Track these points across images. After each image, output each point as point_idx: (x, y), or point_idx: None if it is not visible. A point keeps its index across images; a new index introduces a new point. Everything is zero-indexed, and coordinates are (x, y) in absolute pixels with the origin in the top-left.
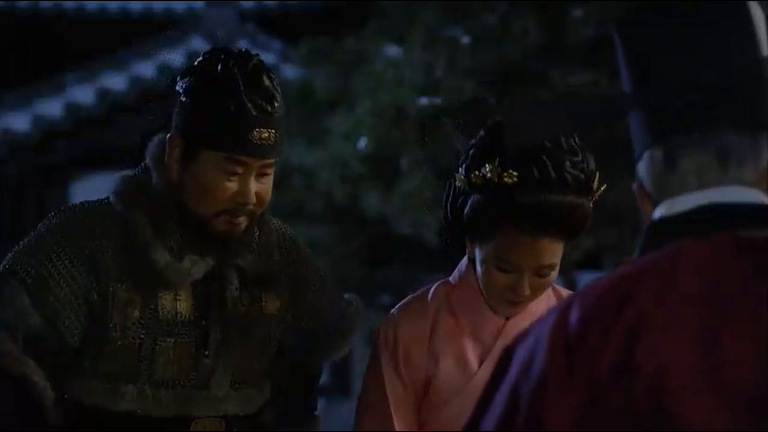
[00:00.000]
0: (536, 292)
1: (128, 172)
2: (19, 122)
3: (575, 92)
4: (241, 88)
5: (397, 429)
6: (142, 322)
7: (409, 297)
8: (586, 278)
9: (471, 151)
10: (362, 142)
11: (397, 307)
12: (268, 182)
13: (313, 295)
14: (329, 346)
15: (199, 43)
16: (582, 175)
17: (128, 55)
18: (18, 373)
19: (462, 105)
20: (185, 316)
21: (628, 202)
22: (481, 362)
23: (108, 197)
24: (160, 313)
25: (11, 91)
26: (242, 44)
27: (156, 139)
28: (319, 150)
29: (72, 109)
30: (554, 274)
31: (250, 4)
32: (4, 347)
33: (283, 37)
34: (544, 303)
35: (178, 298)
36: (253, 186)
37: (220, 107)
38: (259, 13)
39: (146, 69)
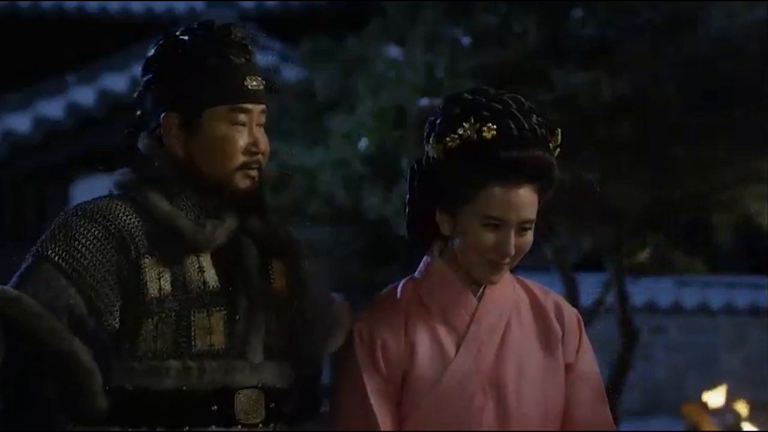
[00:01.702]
0: (518, 253)
1: (125, 168)
2: (20, 123)
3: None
4: (220, 45)
5: (379, 421)
6: (175, 294)
7: (378, 295)
8: (586, 279)
9: (437, 121)
10: (363, 143)
11: (369, 305)
12: (263, 132)
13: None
14: (315, 339)
15: None
16: (546, 131)
17: (129, 56)
18: (66, 350)
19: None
20: (212, 286)
21: (627, 202)
22: (457, 347)
23: (113, 192)
24: (189, 285)
25: (12, 91)
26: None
27: (143, 134)
28: (320, 150)
29: (73, 109)
30: (531, 235)
31: (251, 4)
32: (51, 324)
33: (284, 38)
34: (509, 289)
35: (202, 269)
36: (258, 134)
37: (208, 66)
38: (259, 13)
39: None
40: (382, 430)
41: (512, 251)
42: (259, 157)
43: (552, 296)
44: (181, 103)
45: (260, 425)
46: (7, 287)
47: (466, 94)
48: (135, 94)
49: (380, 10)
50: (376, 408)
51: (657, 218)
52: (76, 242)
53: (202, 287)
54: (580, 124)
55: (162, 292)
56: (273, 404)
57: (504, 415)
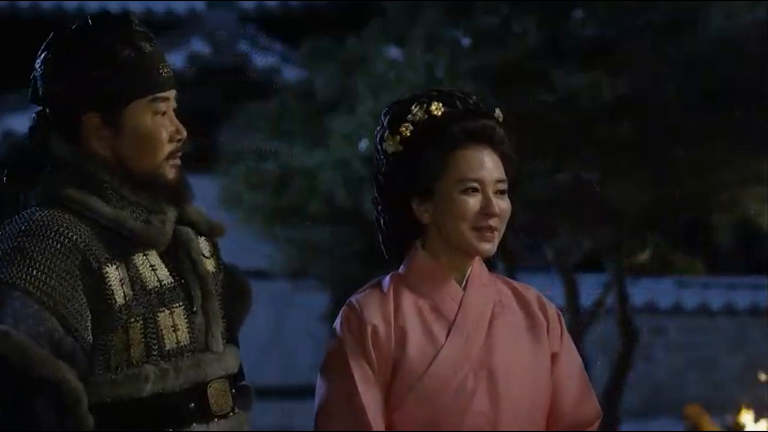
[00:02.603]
0: (501, 217)
1: (46, 178)
2: (20, 123)
3: (575, 93)
4: (127, 36)
5: (367, 409)
6: (137, 298)
7: (365, 287)
8: (586, 279)
9: (384, 121)
10: (363, 144)
11: (354, 295)
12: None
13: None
14: (236, 313)
15: (200, 45)
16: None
17: None
18: (54, 378)
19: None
20: (167, 283)
21: (627, 203)
22: (447, 334)
23: (40, 204)
24: (147, 286)
25: (12, 92)
26: (243, 45)
27: (57, 139)
28: (320, 151)
29: None
30: (508, 200)
31: (251, 5)
32: (39, 353)
33: (284, 39)
34: (490, 280)
35: (154, 267)
36: (177, 120)
37: (123, 59)
38: (259, 14)
39: None
40: (368, 417)
41: (496, 210)
42: (181, 143)
43: (532, 290)
44: (101, 101)
45: (230, 413)
46: None
47: (402, 98)
48: (30, 97)
49: (380, 11)
50: (364, 396)
51: (657, 219)
52: (37, 263)
53: (159, 286)
54: (580, 124)
55: (127, 299)
56: (233, 390)
57: (496, 397)
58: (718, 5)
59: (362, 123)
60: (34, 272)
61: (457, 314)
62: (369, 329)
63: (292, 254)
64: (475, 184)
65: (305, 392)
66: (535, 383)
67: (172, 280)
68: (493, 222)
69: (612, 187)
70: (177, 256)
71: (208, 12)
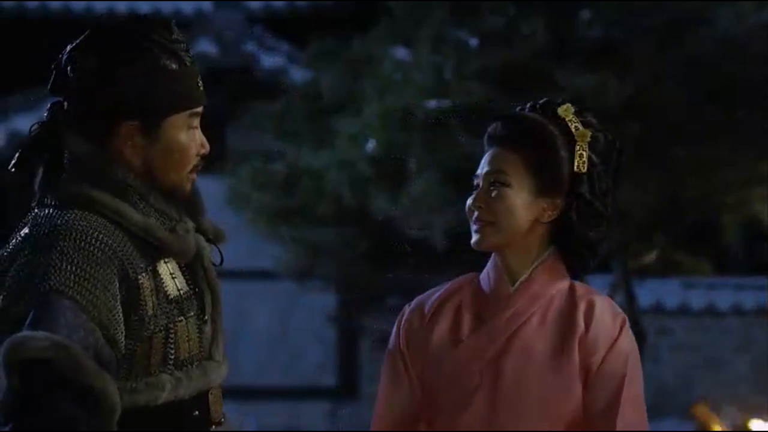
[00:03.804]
0: (489, 208)
1: (67, 179)
2: (26, 124)
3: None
4: (172, 47)
5: (382, 401)
6: (161, 307)
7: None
8: (593, 280)
9: None
10: (370, 145)
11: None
12: None
13: None
14: None
15: (207, 45)
16: None
17: None
18: (100, 390)
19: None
20: (184, 292)
21: (634, 204)
22: (471, 332)
23: (62, 208)
24: (169, 295)
25: (18, 92)
26: (250, 46)
27: (81, 141)
28: (327, 152)
29: None
30: (508, 195)
31: (258, 5)
32: (91, 366)
33: (291, 39)
34: (547, 288)
35: (173, 276)
36: (202, 135)
37: (169, 71)
38: (266, 14)
39: None
40: (382, 411)
41: (471, 203)
42: (202, 158)
43: (591, 298)
44: (143, 111)
45: (222, 420)
46: (46, 333)
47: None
48: (51, 88)
49: (387, 12)
50: (383, 387)
51: (663, 220)
52: (82, 271)
53: (178, 295)
54: None
55: (155, 309)
56: (264, 392)
57: (497, 400)
58: (724, 6)
59: (368, 124)
60: (81, 281)
61: (492, 315)
62: (405, 324)
63: (298, 255)
64: (477, 181)
65: (311, 393)
66: (549, 399)
67: (188, 289)
68: (476, 215)
69: (618, 188)
70: (193, 264)
71: (215, 12)
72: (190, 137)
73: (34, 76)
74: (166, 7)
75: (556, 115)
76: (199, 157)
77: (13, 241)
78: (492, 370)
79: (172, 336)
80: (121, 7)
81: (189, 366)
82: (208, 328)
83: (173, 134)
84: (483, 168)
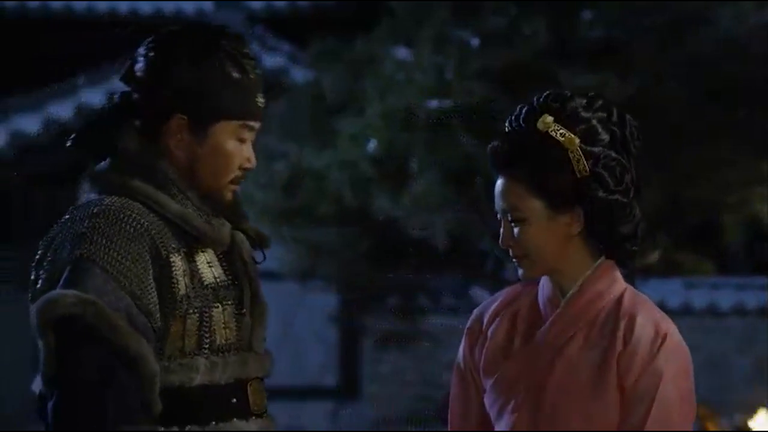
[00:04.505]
0: (518, 246)
1: (107, 165)
2: (30, 124)
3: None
4: (240, 56)
5: (451, 407)
6: (196, 291)
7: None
8: None
9: None
10: (371, 145)
11: None
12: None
13: None
14: None
15: None
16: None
17: None
18: (137, 353)
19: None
20: (221, 281)
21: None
22: (521, 345)
23: (109, 197)
24: (204, 281)
25: (22, 93)
26: (251, 46)
27: (129, 130)
28: (329, 152)
29: (82, 111)
30: (528, 230)
31: (259, 5)
32: (124, 326)
33: (293, 39)
34: (596, 302)
35: (210, 265)
36: (251, 151)
37: (232, 78)
38: (268, 14)
39: None
40: (456, 420)
41: (501, 241)
42: (245, 172)
43: (634, 313)
44: (196, 108)
45: (264, 414)
46: (76, 291)
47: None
48: (122, 76)
49: (388, 12)
50: (452, 395)
51: (665, 219)
52: (113, 244)
53: (215, 282)
54: None
55: (188, 290)
56: (267, 392)
57: (537, 420)
58: (725, 6)
59: (370, 124)
60: (111, 252)
61: (540, 331)
62: (468, 331)
63: (300, 255)
64: (499, 215)
65: (313, 392)
66: (592, 419)
67: (226, 279)
68: (511, 252)
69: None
70: (231, 257)
71: (216, 12)
72: (237, 147)
73: (35, 76)
74: (168, 7)
75: (539, 129)
76: (242, 170)
77: (54, 228)
78: (535, 389)
79: (206, 320)
80: (123, 7)
81: (226, 353)
82: (246, 319)
83: (221, 139)
84: (498, 204)
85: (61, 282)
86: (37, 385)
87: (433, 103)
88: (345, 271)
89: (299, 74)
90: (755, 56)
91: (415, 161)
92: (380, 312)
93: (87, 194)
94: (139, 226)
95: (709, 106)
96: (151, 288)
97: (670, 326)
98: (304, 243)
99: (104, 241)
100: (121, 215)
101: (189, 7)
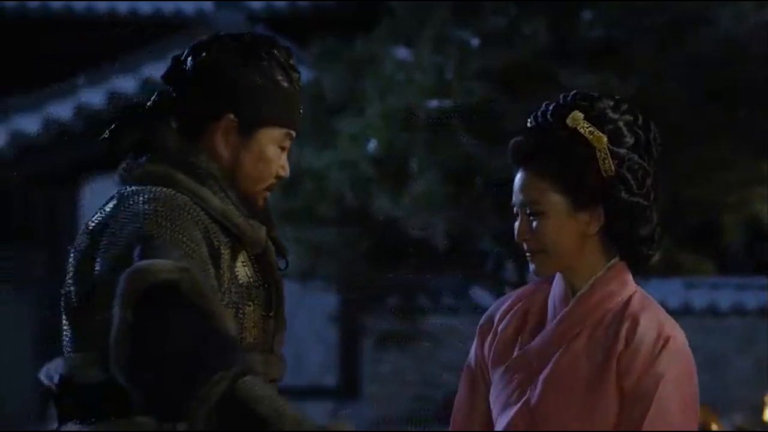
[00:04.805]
0: (534, 240)
1: (152, 158)
2: (30, 124)
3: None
4: (289, 68)
5: (456, 403)
6: (234, 286)
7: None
8: None
9: None
10: (372, 145)
11: None
12: None
13: None
14: None
15: None
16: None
17: (138, 57)
18: (218, 314)
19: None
20: (254, 281)
21: None
22: (525, 344)
23: (155, 187)
24: (240, 279)
25: (21, 93)
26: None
27: (172, 124)
28: (329, 152)
29: (82, 111)
30: (547, 224)
31: (260, 5)
32: (205, 288)
33: (293, 39)
34: (605, 302)
35: (244, 264)
36: (286, 160)
37: (279, 86)
38: (268, 14)
39: (156, 71)
40: (459, 417)
41: (516, 234)
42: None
43: (638, 314)
44: (248, 111)
45: None
46: (165, 259)
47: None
48: (166, 75)
49: (389, 12)
50: (461, 387)
51: (665, 219)
52: (179, 227)
53: (248, 281)
54: None
55: (228, 284)
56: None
57: (534, 417)
58: (725, 6)
59: (371, 124)
60: (177, 234)
61: (547, 328)
62: (479, 328)
63: (301, 255)
64: (516, 209)
65: (313, 392)
66: (587, 412)
67: (257, 280)
68: (525, 246)
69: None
70: (263, 259)
71: (216, 12)
72: (276, 155)
73: (35, 76)
74: (168, 7)
75: (567, 125)
76: (276, 178)
77: (97, 216)
78: (536, 384)
79: (240, 317)
80: (123, 7)
81: (253, 352)
82: (271, 322)
83: (265, 145)
84: (516, 197)
85: (137, 258)
86: (48, 378)
87: (433, 103)
88: (345, 271)
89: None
90: (755, 56)
91: (415, 161)
92: (380, 312)
93: (125, 185)
94: (194, 213)
95: (709, 106)
96: (211, 273)
97: (675, 329)
98: (305, 243)
99: (169, 224)
100: (177, 202)
101: (189, 7)
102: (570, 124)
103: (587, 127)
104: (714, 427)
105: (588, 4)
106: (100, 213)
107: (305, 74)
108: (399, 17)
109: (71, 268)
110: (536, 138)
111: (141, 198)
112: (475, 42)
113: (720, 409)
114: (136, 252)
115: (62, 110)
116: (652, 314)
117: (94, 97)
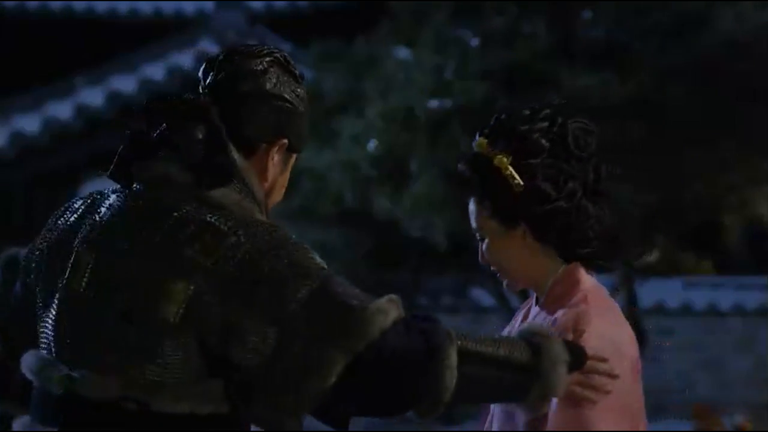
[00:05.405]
0: (488, 260)
1: (232, 184)
2: (29, 124)
3: (584, 94)
4: (305, 92)
5: None
6: None
7: None
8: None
9: None
10: (372, 145)
11: None
12: None
13: None
14: None
15: (208, 45)
16: None
17: (138, 57)
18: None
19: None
20: None
21: (635, 203)
22: None
23: (260, 220)
24: None
25: (21, 93)
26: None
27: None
28: (329, 152)
29: (82, 111)
30: (491, 247)
31: (260, 5)
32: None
33: (293, 39)
34: (557, 303)
35: None
36: None
37: (307, 110)
38: (268, 14)
39: (156, 71)
40: None
41: (482, 255)
42: None
43: (558, 315)
44: (296, 137)
45: None
46: (369, 295)
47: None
48: (214, 91)
49: (389, 12)
50: None
51: (666, 220)
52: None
53: None
54: None
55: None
56: None
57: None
58: (726, 7)
59: (371, 124)
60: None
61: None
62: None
63: None
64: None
65: None
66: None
67: None
68: (481, 261)
69: (620, 188)
70: None
71: (217, 12)
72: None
73: (35, 76)
74: (168, 7)
75: (479, 152)
76: None
77: (118, 223)
78: None
79: None
80: (123, 7)
81: None
82: None
83: (289, 168)
84: (471, 223)
85: (339, 295)
86: (57, 389)
87: (434, 103)
88: (345, 271)
89: None
90: (756, 56)
91: (415, 161)
92: None
93: (188, 203)
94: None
95: (709, 106)
96: None
97: (599, 328)
98: (305, 243)
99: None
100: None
101: (189, 7)
102: (476, 150)
103: (490, 152)
104: (714, 426)
105: (588, 5)
106: (209, 234)
107: (305, 74)
108: (399, 18)
109: (88, 266)
110: (466, 167)
111: (264, 228)
112: (475, 42)
113: (720, 409)
114: (330, 289)
115: (62, 110)
116: (577, 310)
117: (93, 97)
